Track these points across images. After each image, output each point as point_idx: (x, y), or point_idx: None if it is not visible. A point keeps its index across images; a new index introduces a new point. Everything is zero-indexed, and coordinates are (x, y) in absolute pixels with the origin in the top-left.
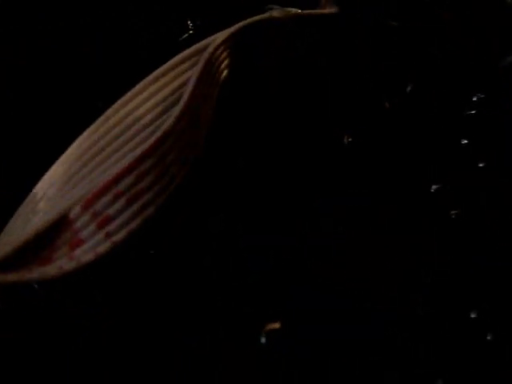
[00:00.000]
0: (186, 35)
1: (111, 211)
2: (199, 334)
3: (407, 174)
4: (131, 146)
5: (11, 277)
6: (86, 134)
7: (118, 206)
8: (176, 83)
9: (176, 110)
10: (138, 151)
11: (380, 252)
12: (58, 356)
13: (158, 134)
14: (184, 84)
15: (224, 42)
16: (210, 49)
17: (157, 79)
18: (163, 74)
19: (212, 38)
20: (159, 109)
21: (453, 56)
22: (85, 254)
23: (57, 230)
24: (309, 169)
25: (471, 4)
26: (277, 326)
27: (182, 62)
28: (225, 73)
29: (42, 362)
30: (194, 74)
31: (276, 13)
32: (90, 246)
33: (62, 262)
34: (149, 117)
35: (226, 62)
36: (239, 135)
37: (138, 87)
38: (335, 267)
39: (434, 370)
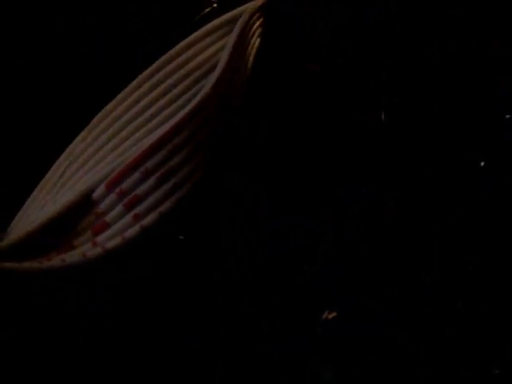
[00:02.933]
0: (209, 9)
1: (140, 191)
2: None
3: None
4: (164, 117)
5: (28, 265)
6: (112, 103)
7: (147, 184)
8: (210, 50)
9: (212, 78)
10: (171, 122)
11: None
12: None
13: (194, 102)
14: (219, 51)
15: (258, 9)
16: (245, 17)
17: (190, 46)
18: (196, 41)
19: (244, 6)
20: (194, 76)
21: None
22: (110, 239)
23: (78, 212)
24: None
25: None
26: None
27: (215, 29)
28: (258, 42)
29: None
30: (229, 41)
31: None
32: (116, 231)
33: (84, 249)
34: (184, 83)
35: (259, 31)
36: (272, 106)
37: (170, 53)
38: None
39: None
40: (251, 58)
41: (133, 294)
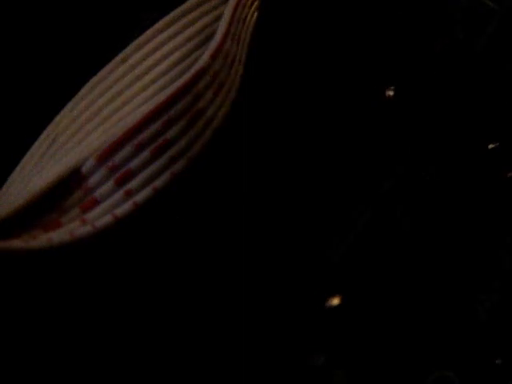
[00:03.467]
0: None
1: (133, 165)
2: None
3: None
4: (157, 87)
5: (12, 244)
6: (100, 74)
7: (140, 158)
8: (206, 19)
9: (211, 46)
10: (167, 92)
11: None
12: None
13: (192, 71)
14: (215, 20)
15: None
16: None
17: (183, 15)
18: (190, 10)
19: None
20: (189, 45)
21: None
22: (100, 216)
23: (66, 187)
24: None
25: None
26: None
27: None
28: (255, 14)
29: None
30: (226, 10)
31: None
32: (106, 207)
33: (72, 227)
34: (177, 54)
35: (256, 3)
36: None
37: (161, 23)
38: None
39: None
40: (249, 31)
41: (129, 283)
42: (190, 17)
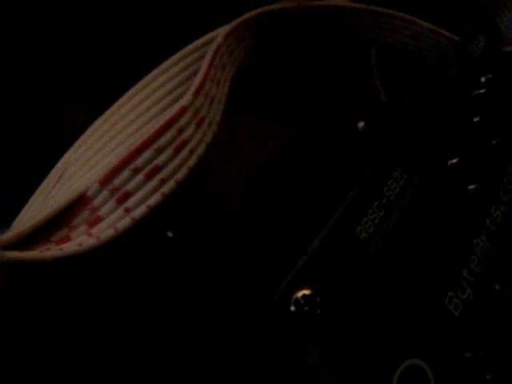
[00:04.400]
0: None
1: (130, 187)
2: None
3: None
4: (148, 127)
5: (29, 255)
6: (98, 121)
7: (136, 181)
8: (186, 73)
9: (192, 87)
10: (156, 126)
11: None
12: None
13: (176, 108)
14: (194, 73)
15: (234, 30)
16: (220, 38)
17: (165, 71)
18: (171, 66)
19: (220, 29)
20: (171, 96)
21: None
22: (104, 230)
23: (75, 208)
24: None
25: None
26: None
27: (191, 53)
28: (237, 60)
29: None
30: (204, 61)
31: (287, 3)
32: (109, 223)
33: (81, 240)
34: (163, 102)
35: (237, 51)
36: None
37: (145, 79)
38: None
39: None
40: (229, 77)
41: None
42: (171, 72)
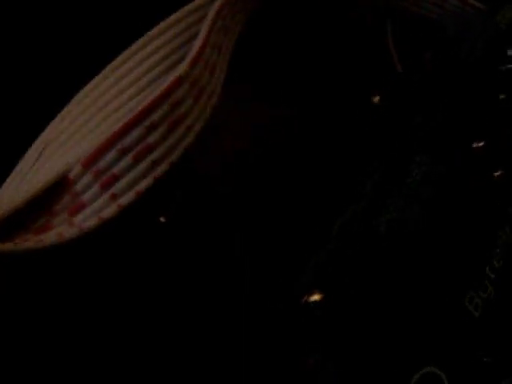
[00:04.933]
0: None
1: (116, 169)
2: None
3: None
4: (140, 99)
5: (4, 247)
6: (84, 91)
7: (124, 163)
8: (183, 37)
9: (190, 53)
10: (148, 99)
11: None
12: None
13: (171, 79)
14: (193, 37)
15: None
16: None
17: (160, 34)
18: (166, 29)
19: None
20: (165, 64)
21: None
22: (87, 219)
23: (55, 193)
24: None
25: None
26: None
27: (189, 14)
28: (240, 23)
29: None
30: (204, 23)
31: None
32: (92, 211)
33: (61, 229)
34: (157, 70)
35: (241, 13)
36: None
37: (139, 42)
38: None
39: None
40: (231, 42)
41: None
42: (167, 35)
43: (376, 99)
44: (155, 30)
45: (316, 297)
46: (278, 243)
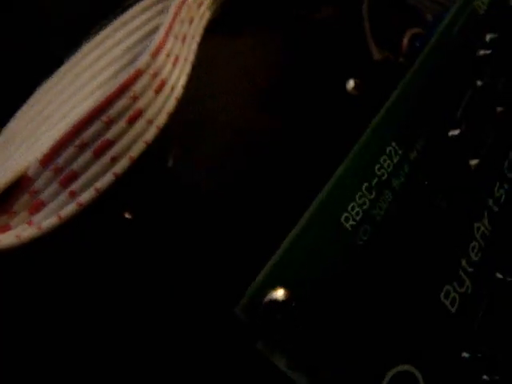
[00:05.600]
0: None
1: (76, 166)
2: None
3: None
4: (97, 96)
5: None
6: (41, 89)
7: (83, 159)
8: (147, 28)
9: (151, 45)
10: (106, 94)
11: None
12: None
13: (130, 71)
14: (153, 31)
15: None
16: None
17: (121, 26)
18: (128, 20)
19: None
20: (127, 57)
21: None
22: (46, 218)
23: (14, 192)
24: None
25: None
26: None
27: (152, 5)
28: (208, 12)
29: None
30: (167, 14)
31: None
32: (52, 209)
33: (19, 230)
34: (116, 65)
35: (207, 2)
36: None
37: (98, 37)
38: None
39: None
40: (198, 31)
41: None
42: (125, 30)
43: (350, 85)
44: (116, 23)
45: (278, 294)
46: (255, 243)
